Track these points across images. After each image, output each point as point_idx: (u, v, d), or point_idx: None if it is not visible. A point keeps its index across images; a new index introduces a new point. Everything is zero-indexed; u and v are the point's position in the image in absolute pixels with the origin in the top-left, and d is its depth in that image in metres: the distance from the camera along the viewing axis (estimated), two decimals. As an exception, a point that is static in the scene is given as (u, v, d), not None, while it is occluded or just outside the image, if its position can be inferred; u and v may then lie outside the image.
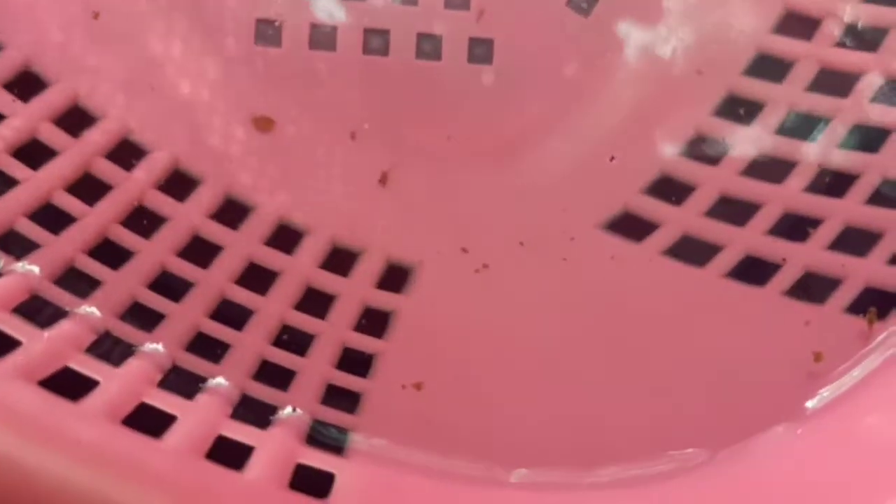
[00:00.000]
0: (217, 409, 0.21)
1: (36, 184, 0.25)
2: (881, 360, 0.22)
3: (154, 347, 0.22)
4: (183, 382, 0.21)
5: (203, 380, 0.22)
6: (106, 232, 0.25)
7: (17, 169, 0.25)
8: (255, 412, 0.21)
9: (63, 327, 0.21)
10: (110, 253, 0.25)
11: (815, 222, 0.27)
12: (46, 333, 0.20)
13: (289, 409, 0.22)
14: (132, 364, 0.21)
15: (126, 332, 0.22)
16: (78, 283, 0.23)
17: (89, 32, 0.29)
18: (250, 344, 0.24)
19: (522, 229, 0.30)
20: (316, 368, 0.24)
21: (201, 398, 0.21)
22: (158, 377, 0.21)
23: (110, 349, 0.22)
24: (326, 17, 0.31)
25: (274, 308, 0.26)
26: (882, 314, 0.23)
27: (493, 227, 0.30)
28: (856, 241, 0.26)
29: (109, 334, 0.22)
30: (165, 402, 0.20)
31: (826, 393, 0.22)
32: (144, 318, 0.23)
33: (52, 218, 0.24)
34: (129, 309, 0.23)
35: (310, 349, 0.25)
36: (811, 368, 0.22)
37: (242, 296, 0.26)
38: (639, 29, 0.32)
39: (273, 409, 0.22)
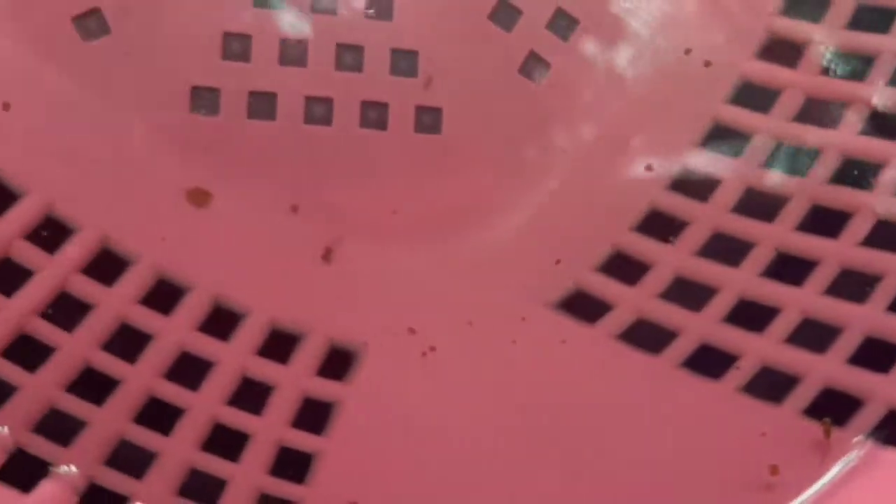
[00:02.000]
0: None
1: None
2: (839, 474, 0.21)
3: (67, 469, 0.20)
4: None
5: (122, 500, 0.20)
6: (23, 326, 0.23)
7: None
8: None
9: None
10: (26, 348, 0.23)
11: (773, 311, 0.26)
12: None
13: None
14: (45, 489, 0.19)
15: (39, 446, 0.21)
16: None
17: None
18: (177, 451, 0.22)
19: (471, 308, 0.29)
20: (248, 476, 0.23)
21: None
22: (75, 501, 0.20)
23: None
24: (266, 85, 0.29)
25: (206, 404, 0.24)
26: (840, 421, 0.22)
27: (441, 305, 0.29)
28: (816, 334, 0.25)
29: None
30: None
31: (784, 508, 0.21)
32: (60, 426, 0.22)
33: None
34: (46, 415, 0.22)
35: (244, 451, 0.23)
36: (768, 480, 0.21)
37: (171, 392, 0.24)
38: (592, 98, 0.31)
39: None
